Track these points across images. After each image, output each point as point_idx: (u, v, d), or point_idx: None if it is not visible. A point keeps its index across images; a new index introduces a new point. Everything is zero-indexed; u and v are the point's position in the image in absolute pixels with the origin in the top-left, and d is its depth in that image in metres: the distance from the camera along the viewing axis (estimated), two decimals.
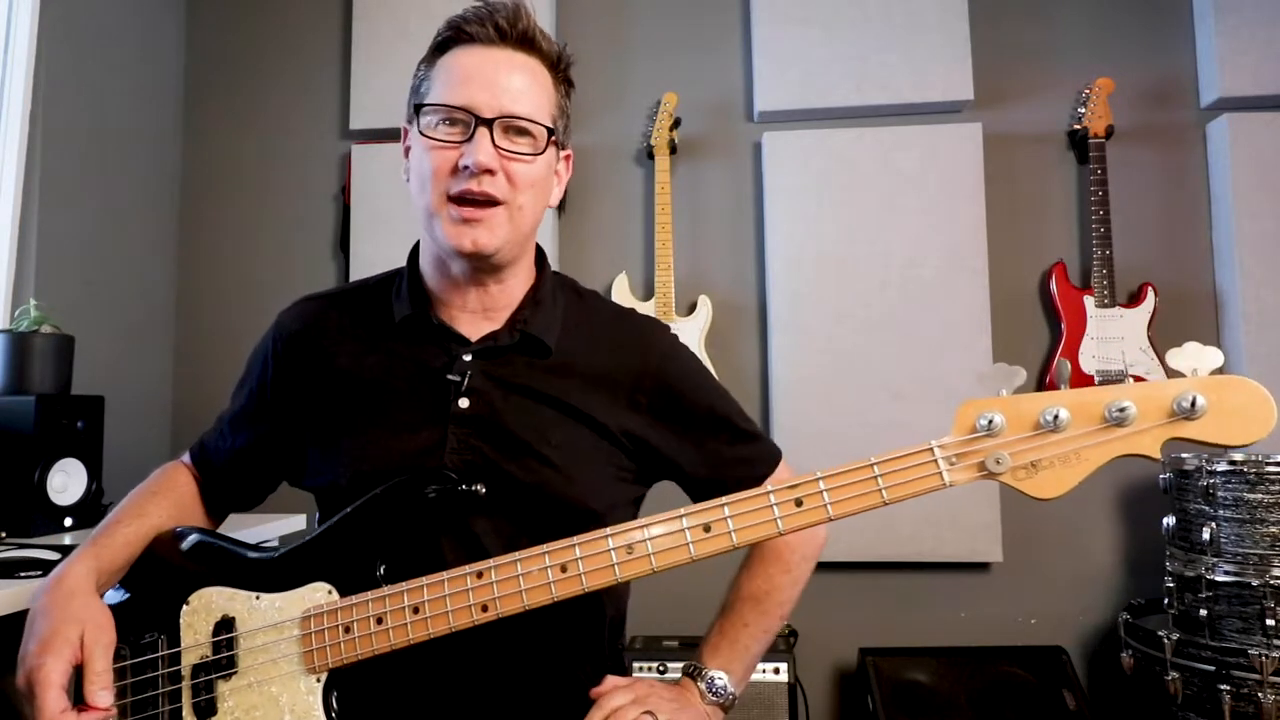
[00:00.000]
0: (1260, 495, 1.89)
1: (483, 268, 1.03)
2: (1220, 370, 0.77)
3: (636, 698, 0.95)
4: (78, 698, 0.88)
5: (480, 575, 0.89)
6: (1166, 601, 2.03)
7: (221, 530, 1.12)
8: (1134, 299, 2.41)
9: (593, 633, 1.07)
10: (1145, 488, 2.38)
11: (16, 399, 1.78)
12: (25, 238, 2.19)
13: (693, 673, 1.07)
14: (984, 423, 0.80)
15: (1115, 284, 2.39)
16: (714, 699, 1.05)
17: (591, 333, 1.09)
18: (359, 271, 2.59)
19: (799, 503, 0.84)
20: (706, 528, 0.86)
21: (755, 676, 2.05)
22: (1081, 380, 2.36)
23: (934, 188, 2.47)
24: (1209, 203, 2.48)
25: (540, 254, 1.13)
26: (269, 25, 2.83)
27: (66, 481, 1.82)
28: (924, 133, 2.50)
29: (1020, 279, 2.52)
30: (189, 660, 0.96)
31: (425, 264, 1.09)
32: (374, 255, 2.60)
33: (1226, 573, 1.91)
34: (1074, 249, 2.52)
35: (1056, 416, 0.78)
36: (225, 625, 0.96)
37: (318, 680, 0.92)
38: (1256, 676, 1.81)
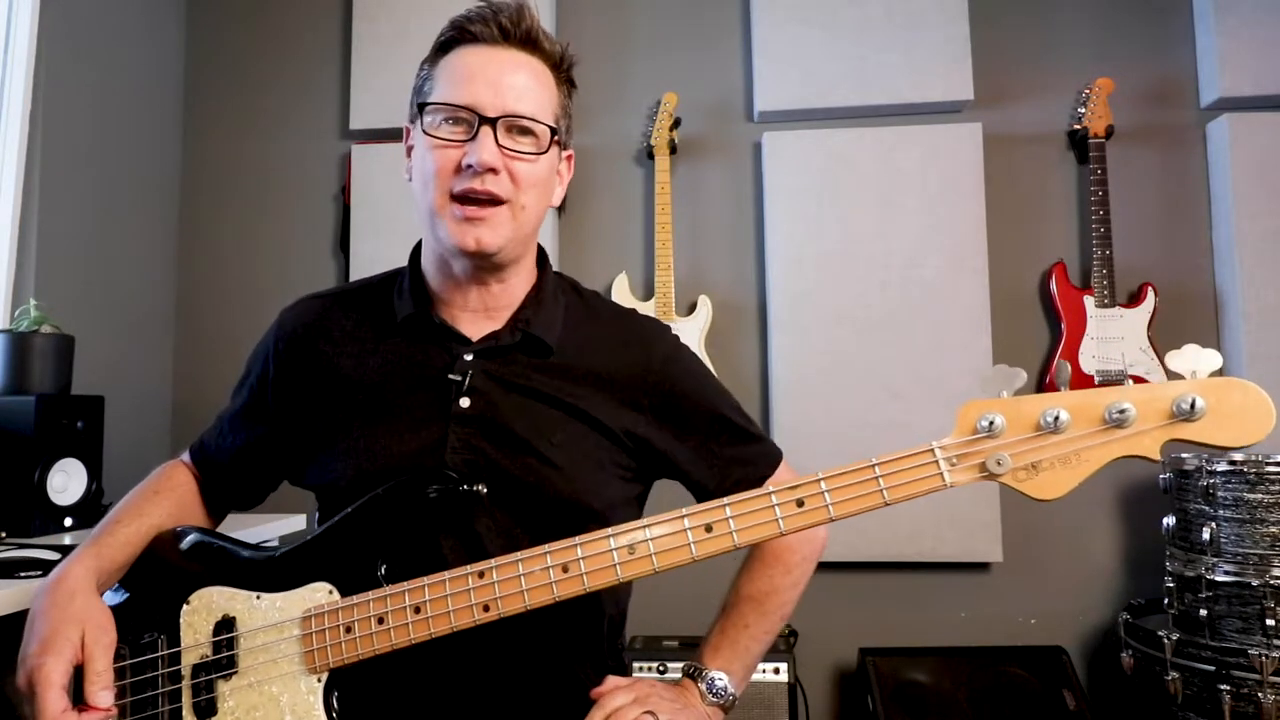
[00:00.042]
0: (1260, 495, 1.89)
1: (485, 266, 1.03)
2: (1219, 372, 0.78)
3: (637, 698, 0.95)
4: (78, 697, 0.88)
5: (482, 575, 0.89)
6: (1166, 601, 2.03)
7: (221, 530, 1.12)
8: (1134, 299, 2.41)
9: (593, 632, 1.07)
10: (1145, 488, 2.38)
11: (16, 399, 1.78)
12: (25, 238, 2.19)
13: (693, 673, 1.07)
14: (985, 424, 0.80)
15: (1115, 284, 2.39)
16: (714, 700, 1.05)
17: (593, 332, 1.09)
18: (359, 271, 2.59)
19: (800, 503, 0.84)
20: (708, 528, 0.86)
21: (755, 676, 2.04)
22: (1081, 380, 2.36)
23: (934, 188, 2.47)
24: (1209, 203, 2.48)
25: (542, 254, 1.14)
26: (269, 25, 2.83)
27: (66, 481, 1.82)
28: (924, 133, 2.50)
29: (1020, 279, 2.52)
30: (189, 660, 0.96)
31: (427, 263, 1.09)
32: (374, 255, 2.60)
33: (1226, 573, 1.91)
34: (1074, 249, 2.52)
35: (1057, 418, 0.79)
36: (226, 625, 0.96)
37: (318, 680, 0.92)
38: (1256, 676, 1.81)
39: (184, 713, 0.95)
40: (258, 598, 0.96)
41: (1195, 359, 0.78)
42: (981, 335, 2.41)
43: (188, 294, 2.76)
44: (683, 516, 0.87)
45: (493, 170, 0.97)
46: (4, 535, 1.70)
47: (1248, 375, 2.29)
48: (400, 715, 0.98)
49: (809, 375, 2.46)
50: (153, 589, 1.01)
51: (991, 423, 0.80)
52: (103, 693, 0.88)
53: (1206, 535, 1.94)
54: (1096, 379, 2.36)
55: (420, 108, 1.02)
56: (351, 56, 2.72)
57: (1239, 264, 2.36)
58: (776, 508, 0.85)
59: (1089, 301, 2.40)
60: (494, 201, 0.98)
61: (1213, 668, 1.89)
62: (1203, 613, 1.92)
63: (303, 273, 2.71)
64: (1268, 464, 1.89)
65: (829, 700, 2.47)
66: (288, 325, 1.12)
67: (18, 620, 0.96)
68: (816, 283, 2.49)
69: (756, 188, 2.61)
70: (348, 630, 0.91)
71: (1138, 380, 2.29)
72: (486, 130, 0.97)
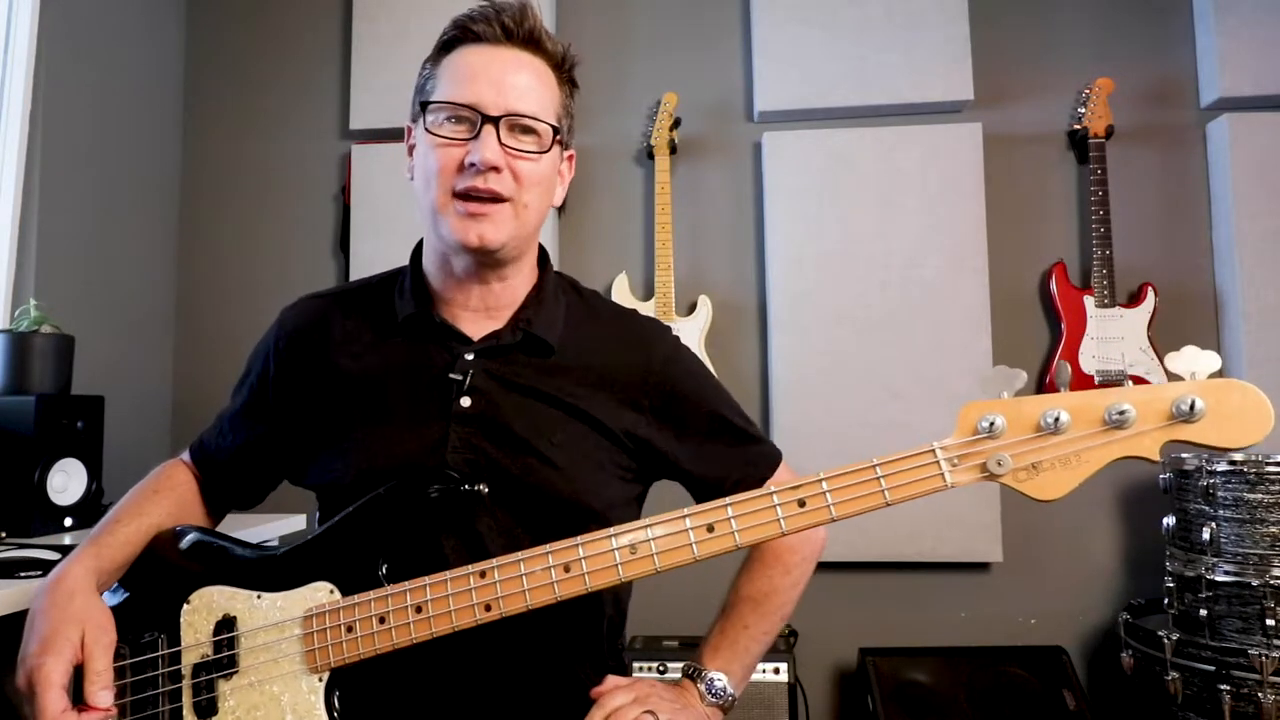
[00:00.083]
0: (1260, 495, 1.89)
1: (487, 263, 1.03)
2: (1218, 374, 0.78)
3: (637, 697, 0.95)
4: (78, 697, 0.88)
5: (483, 575, 0.89)
6: (1166, 601, 2.03)
7: (221, 530, 1.12)
8: (1134, 299, 2.41)
9: (593, 632, 1.07)
10: (1145, 488, 2.38)
11: (16, 399, 1.78)
12: (25, 238, 2.19)
13: (693, 674, 1.07)
14: (986, 424, 0.81)
15: (1115, 284, 2.39)
16: (714, 700, 1.05)
17: (593, 332, 1.10)
18: (359, 271, 2.59)
19: (802, 503, 0.85)
20: (710, 528, 0.86)
21: (755, 676, 2.04)
22: (1081, 380, 2.37)
23: (934, 188, 2.47)
24: (1209, 203, 2.48)
25: (543, 254, 1.14)
26: (269, 25, 2.83)
27: (66, 481, 1.82)
28: (924, 133, 2.50)
29: (1020, 279, 2.52)
30: (190, 659, 0.96)
31: (428, 263, 1.09)
32: (374, 255, 2.60)
33: (1226, 573, 1.91)
34: (1074, 249, 2.52)
35: (1057, 419, 0.79)
36: (226, 624, 0.96)
37: (320, 680, 0.92)
38: (1256, 676, 1.82)
39: (184, 712, 0.95)
40: (259, 597, 0.96)
41: (1194, 360, 0.78)
42: (981, 335, 2.41)
43: (188, 294, 2.76)
44: (684, 516, 0.87)
45: (495, 169, 0.97)
46: (4, 535, 1.70)
47: (1247, 375, 2.30)
48: (401, 715, 0.98)
49: (809, 375, 2.46)
50: (153, 588, 1.01)
51: (992, 423, 0.80)
52: (102, 692, 0.88)
53: (1206, 535, 1.94)
54: (1096, 379, 2.36)
55: (423, 106, 1.02)
56: (351, 56, 2.72)
57: (1239, 264, 2.36)
58: (778, 508, 0.85)
59: (1089, 301, 2.40)
60: (496, 199, 0.99)
61: (1213, 668, 1.89)
62: (1203, 613, 1.92)
63: (303, 273, 2.71)
64: (1268, 464, 1.90)
65: (829, 700, 2.47)
66: (289, 324, 1.12)
67: (18, 620, 0.95)
68: (816, 283, 2.49)
69: (756, 188, 2.61)
70: (349, 630, 0.91)
71: (1137, 380, 2.29)
72: (489, 129, 0.97)
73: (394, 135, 2.60)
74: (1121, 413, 0.78)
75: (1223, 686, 1.85)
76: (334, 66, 2.79)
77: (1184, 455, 2.05)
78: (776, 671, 2.15)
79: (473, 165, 0.97)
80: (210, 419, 1.19)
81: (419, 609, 0.89)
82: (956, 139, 2.48)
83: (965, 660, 2.25)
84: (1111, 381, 2.34)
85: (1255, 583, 1.86)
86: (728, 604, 1.13)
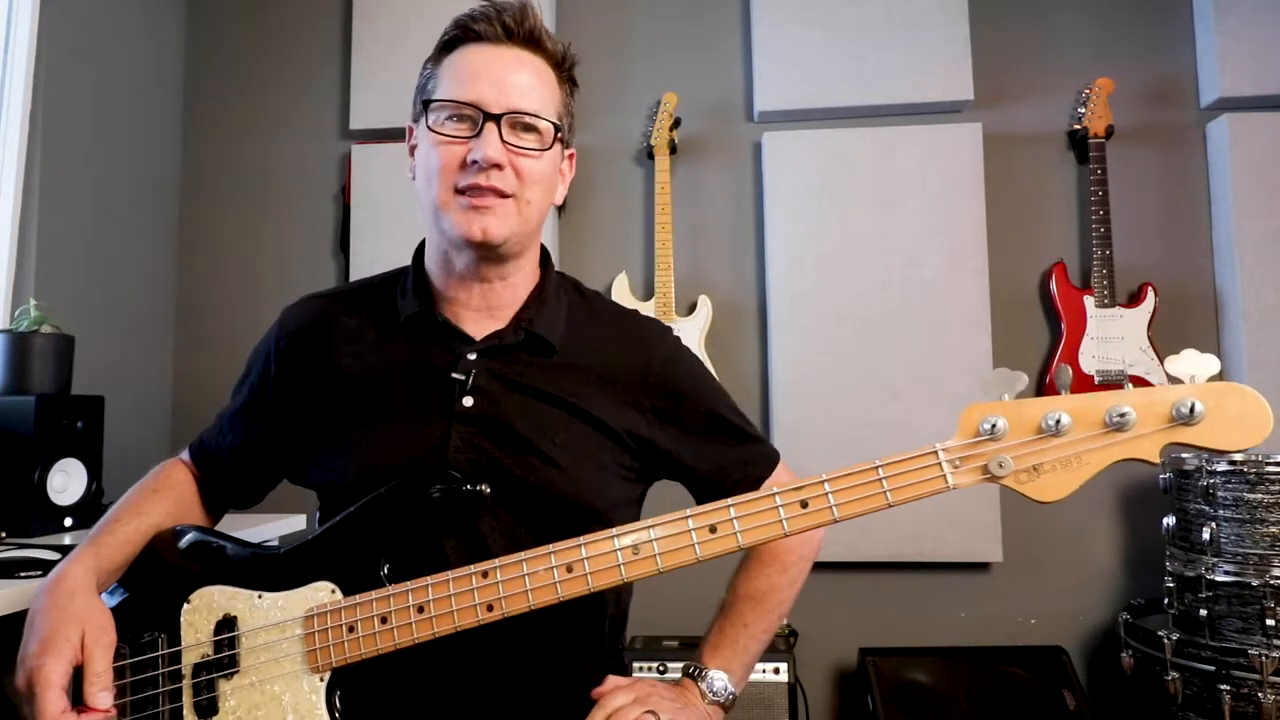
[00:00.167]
0: (1260, 495, 1.90)
1: (489, 259, 1.03)
2: (1218, 377, 0.79)
3: (638, 698, 0.96)
4: (78, 698, 0.87)
5: (486, 575, 0.89)
6: (1166, 601, 2.03)
7: (221, 529, 1.12)
8: (1134, 299, 2.41)
9: (594, 633, 1.07)
10: (1145, 488, 2.38)
11: (16, 399, 1.78)
12: (25, 238, 2.19)
13: (693, 673, 1.07)
14: (987, 427, 0.81)
15: (1115, 284, 2.39)
16: (714, 699, 1.05)
17: (595, 332, 1.10)
18: (359, 271, 2.59)
19: (805, 504, 0.85)
20: (712, 528, 0.86)
21: (755, 676, 2.05)
22: (1081, 380, 2.37)
23: (934, 188, 2.47)
24: (1209, 203, 2.48)
25: (545, 254, 1.14)
26: (269, 25, 2.83)
27: (66, 481, 1.82)
28: (924, 133, 2.50)
29: (1020, 279, 2.52)
30: (190, 659, 0.96)
31: (430, 262, 1.09)
32: (374, 255, 2.60)
33: (1226, 573, 1.91)
34: (1074, 249, 2.52)
35: (1058, 421, 0.79)
36: (227, 624, 0.96)
37: (321, 680, 0.92)
38: (1256, 676, 1.82)
39: (185, 712, 0.94)
40: (259, 597, 0.96)
41: (1194, 364, 0.79)
42: (981, 335, 2.41)
43: (188, 294, 2.76)
44: (687, 517, 0.87)
45: (497, 166, 0.98)
46: (4, 535, 1.70)
47: (1247, 375, 2.30)
48: (402, 714, 0.98)
49: (809, 375, 2.46)
50: (153, 588, 1.00)
51: (994, 425, 0.81)
52: (102, 694, 0.88)
53: (1206, 535, 1.94)
54: (1096, 379, 2.36)
55: (425, 105, 1.02)
56: (351, 56, 2.72)
57: (1239, 264, 2.36)
58: (781, 509, 0.85)
59: (1089, 301, 2.40)
60: (499, 196, 0.99)
61: (1213, 668, 1.89)
62: (1203, 613, 1.92)
63: (303, 273, 2.71)
64: (1268, 464, 1.90)
65: (829, 700, 2.47)
66: (290, 324, 1.12)
67: (18, 620, 0.95)
68: (816, 283, 2.49)
69: (756, 188, 2.61)
70: (350, 630, 0.91)
71: (1137, 380, 2.29)
72: (491, 127, 0.98)
73: (394, 135, 2.60)
74: (1122, 415, 0.78)
75: (1223, 686, 1.85)
76: (334, 66, 2.79)
77: (1184, 455, 2.05)
78: (776, 671, 2.15)
79: (475, 162, 0.97)
80: (210, 419, 1.19)
81: (421, 609, 0.89)
82: (956, 139, 2.48)
83: (965, 660, 2.26)
84: (1111, 381, 2.35)
85: (1255, 583, 1.86)
86: (726, 603, 1.13)
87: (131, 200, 2.56)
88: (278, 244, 2.75)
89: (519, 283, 1.08)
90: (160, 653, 0.96)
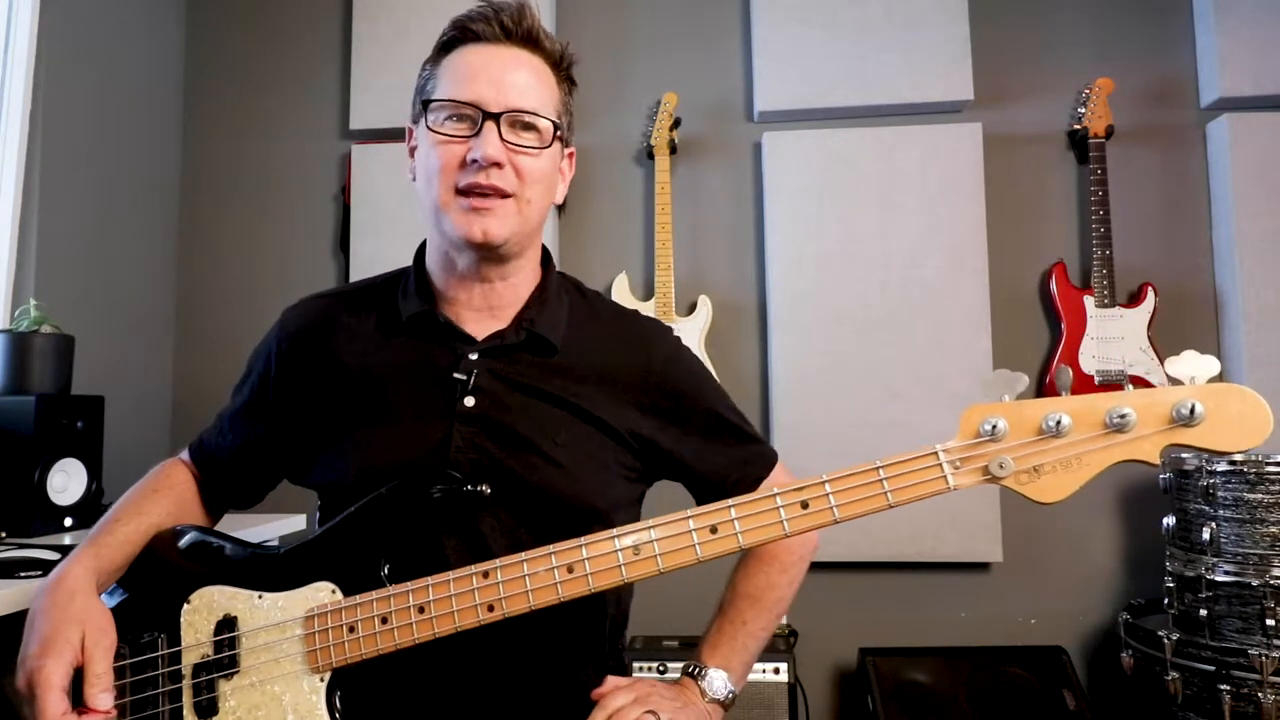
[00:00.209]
0: (1260, 495, 1.90)
1: (490, 259, 1.03)
2: (1218, 378, 0.79)
3: (638, 698, 0.96)
4: (78, 699, 0.87)
5: (486, 575, 0.89)
6: (1166, 601, 2.04)
7: (220, 530, 1.12)
8: (1134, 299, 2.41)
9: (595, 633, 1.07)
10: (1145, 488, 2.38)
11: (16, 399, 1.78)
12: (25, 238, 2.19)
13: (693, 672, 1.07)
14: (988, 428, 0.81)
15: (1115, 284, 2.39)
16: (714, 697, 1.05)
17: (596, 332, 1.10)
18: (359, 271, 2.59)
19: (805, 505, 0.85)
20: (713, 529, 0.87)
21: (755, 676, 2.05)
22: (1081, 380, 2.37)
23: (934, 188, 2.47)
24: (1209, 203, 2.48)
25: (546, 254, 1.14)
26: (269, 25, 2.83)
27: (66, 481, 1.82)
28: (924, 133, 2.50)
29: (1020, 279, 2.52)
30: (190, 660, 0.96)
31: (431, 262, 1.09)
32: (374, 255, 2.60)
33: (1226, 573, 1.91)
34: (1074, 249, 2.52)
35: (1059, 422, 0.80)
36: (227, 624, 0.96)
37: (321, 680, 0.92)
38: (1256, 676, 1.82)
39: (185, 712, 0.94)
40: (259, 597, 0.96)
41: (1194, 365, 0.79)
42: (981, 335, 2.41)
43: (188, 294, 2.76)
44: (688, 518, 0.87)
45: (497, 164, 0.98)
46: (4, 535, 1.70)
47: (1247, 375, 2.30)
48: (403, 715, 0.98)
49: (809, 375, 2.46)
50: (153, 588, 1.00)
51: (994, 426, 0.81)
52: (102, 695, 0.88)
53: (1206, 535, 1.94)
54: (1096, 379, 2.36)
55: (424, 105, 1.03)
56: (351, 56, 2.72)
57: (1239, 264, 2.36)
58: (782, 509, 0.85)
59: (1089, 301, 2.40)
60: (499, 195, 0.99)
61: (1213, 668, 1.89)
62: (1203, 613, 1.92)
63: (303, 273, 2.71)
64: (1268, 464, 1.90)
65: (829, 700, 2.47)
66: (290, 324, 1.12)
67: (18, 620, 0.95)
68: (816, 283, 2.49)
69: (756, 188, 2.61)
70: (351, 630, 0.91)
71: (1137, 380, 2.29)
72: (490, 126, 0.98)
73: (394, 135, 2.60)
74: (1122, 416, 0.78)
75: (1223, 686, 1.85)
76: (334, 66, 2.78)
77: (1184, 455, 2.05)
78: (776, 671, 2.15)
79: (475, 161, 0.98)
80: (210, 419, 1.19)
81: (421, 609, 0.89)
82: (956, 139, 2.48)
83: (965, 660, 2.26)
84: (1111, 381, 2.35)
85: (1255, 583, 1.86)
86: (725, 601, 1.13)
87: (131, 200, 2.56)
88: (278, 244, 2.75)
89: (520, 283, 1.08)
90: (160, 653, 0.96)
